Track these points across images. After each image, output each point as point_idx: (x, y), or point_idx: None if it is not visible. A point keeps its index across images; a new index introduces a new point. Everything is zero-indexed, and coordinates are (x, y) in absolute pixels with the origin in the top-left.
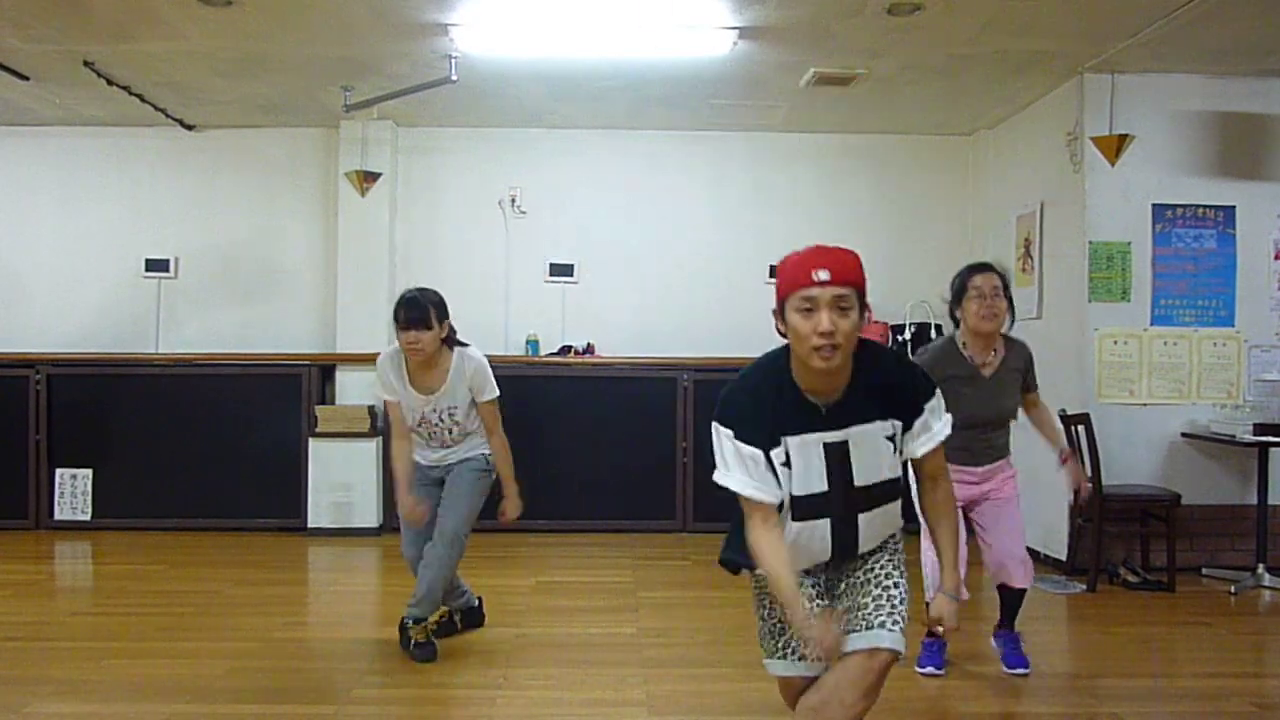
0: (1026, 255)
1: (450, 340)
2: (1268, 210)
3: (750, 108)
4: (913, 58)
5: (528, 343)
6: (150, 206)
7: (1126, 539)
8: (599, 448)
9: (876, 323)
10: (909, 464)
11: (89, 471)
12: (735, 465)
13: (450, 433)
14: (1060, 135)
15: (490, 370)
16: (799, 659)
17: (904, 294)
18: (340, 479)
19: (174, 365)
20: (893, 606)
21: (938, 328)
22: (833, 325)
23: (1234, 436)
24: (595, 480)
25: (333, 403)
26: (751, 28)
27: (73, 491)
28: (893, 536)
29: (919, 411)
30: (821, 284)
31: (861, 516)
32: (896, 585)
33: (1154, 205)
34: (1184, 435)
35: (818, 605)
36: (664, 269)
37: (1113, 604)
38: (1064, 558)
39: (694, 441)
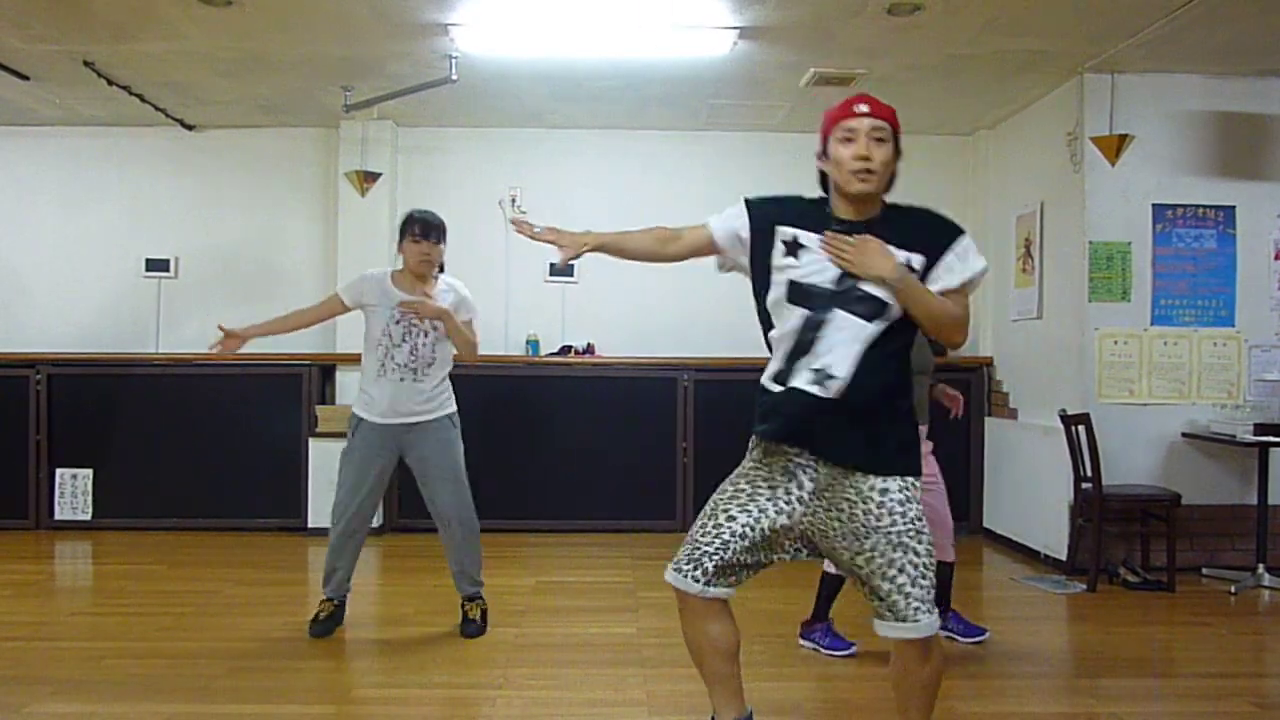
0: (1026, 255)
1: (440, 266)
2: (1268, 210)
3: (750, 108)
4: (913, 58)
5: (528, 343)
6: (150, 206)
7: (1126, 539)
8: (599, 448)
9: None
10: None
11: (89, 471)
12: (719, 215)
13: (428, 351)
14: (1060, 135)
15: (465, 289)
16: (694, 579)
17: None
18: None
19: (174, 365)
20: (908, 597)
21: None
22: (869, 151)
23: (1234, 436)
24: (595, 480)
25: (333, 403)
26: (751, 28)
27: (73, 491)
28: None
29: (943, 250)
30: (860, 115)
31: (839, 311)
32: (903, 570)
33: (1154, 205)
34: (1184, 435)
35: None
36: (664, 269)
37: (1113, 604)
38: (1064, 558)
39: (694, 441)
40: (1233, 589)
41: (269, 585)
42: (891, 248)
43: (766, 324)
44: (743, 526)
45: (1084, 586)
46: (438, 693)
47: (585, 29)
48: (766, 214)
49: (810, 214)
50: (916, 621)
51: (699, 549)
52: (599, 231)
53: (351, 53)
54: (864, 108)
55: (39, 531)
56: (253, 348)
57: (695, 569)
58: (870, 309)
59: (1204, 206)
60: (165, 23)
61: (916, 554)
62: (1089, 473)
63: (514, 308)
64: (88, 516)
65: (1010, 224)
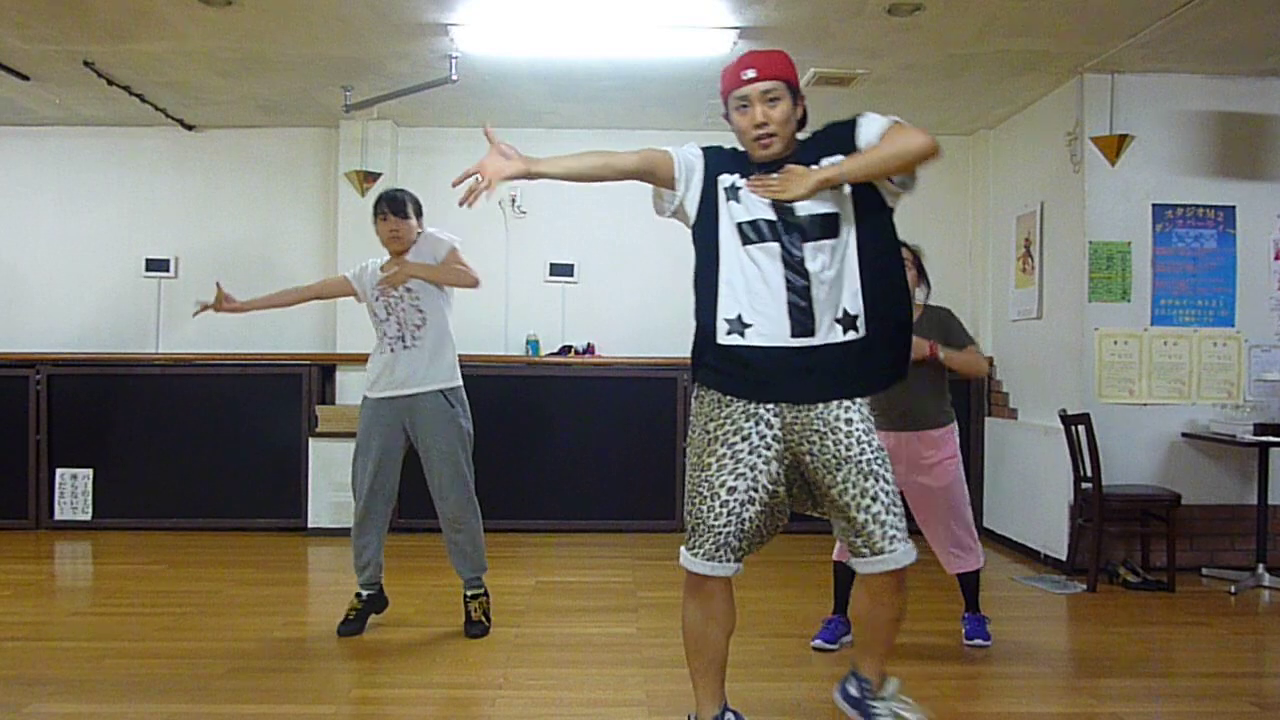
0: (1026, 255)
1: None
2: (1268, 210)
3: None
4: (913, 58)
5: (528, 343)
6: (150, 206)
7: (1126, 539)
8: (599, 448)
9: None
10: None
11: (89, 471)
12: (678, 148)
13: (413, 313)
14: (1060, 135)
15: (441, 232)
16: (727, 562)
17: None
18: (340, 479)
19: (174, 365)
20: (883, 525)
21: None
22: (765, 117)
23: (1234, 436)
24: (595, 480)
25: (333, 403)
26: (751, 28)
27: (73, 491)
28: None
29: (854, 128)
30: (750, 81)
31: (807, 245)
32: (876, 499)
33: (1154, 205)
34: (1184, 435)
35: (760, 486)
36: (664, 269)
37: (1113, 604)
38: (1064, 558)
39: None
40: (1233, 589)
41: (269, 585)
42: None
43: (707, 266)
44: (746, 493)
45: (1084, 586)
46: (438, 693)
47: (585, 29)
48: (712, 161)
49: (738, 160)
50: (893, 551)
51: (719, 533)
52: (539, 158)
53: (351, 53)
54: (751, 73)
55: (39, 531)
56: (252, 348)
57: (725, 553)
58: (827, 226)
59: (1204, 206)
60: (165, 23)
61: (887, 480)
62: (1089, 473)
63: (514, 308)
64: (88, 516)
65: (1010, 224)
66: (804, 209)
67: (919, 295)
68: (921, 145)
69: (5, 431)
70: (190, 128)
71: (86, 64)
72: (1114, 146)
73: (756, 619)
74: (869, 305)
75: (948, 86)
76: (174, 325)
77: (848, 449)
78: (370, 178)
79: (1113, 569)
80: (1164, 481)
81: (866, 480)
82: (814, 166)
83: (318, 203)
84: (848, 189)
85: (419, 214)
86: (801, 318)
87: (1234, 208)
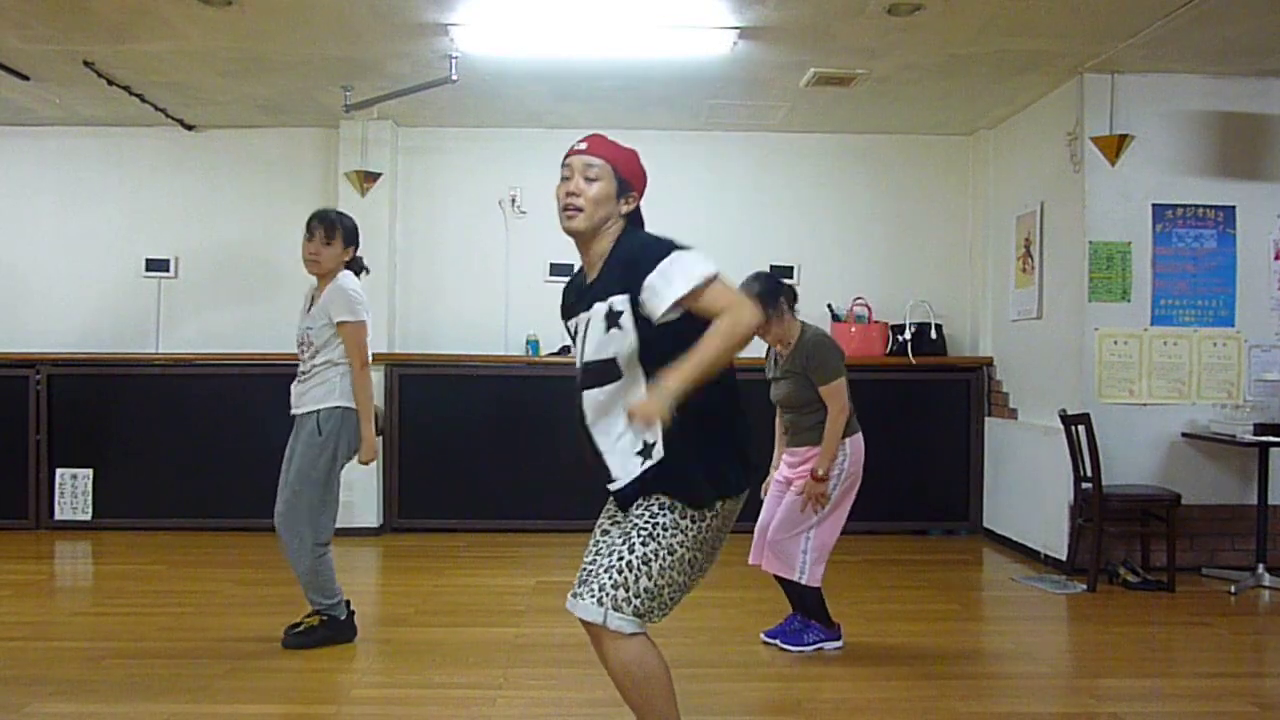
0: (1026, 255)
1: (353, 265)
2: (1268, 210)
3: (750, 108)
4: (913, 58)
5: (528, 343)
6: (150, 206)
7: (1126, 539)
8: None
9: (876, 322)
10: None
11: (89, 471)
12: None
13: (305, 352)
14: (1060, 135)
15: (353, 294)
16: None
17: (904, 294)
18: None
19: (174, 365)
20: (592, 575)
21: (938, 327)
22: (578, 188)
23: (1234, 436)
24: (595, 480)
25: None
26: (751, 28)
27: (73, 491)
28: (658, 500)
29: (643, 278)
30: (576, 152)
31: (586, 393)
32: (611, 554)
33: (1154, 205)
34: (1184, 435)
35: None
36: None
37: (1113, 604)
38: (1064, 558)
39: None
40: (1233, 589)
41: (269, 585)
42: (604, 299)
43: None
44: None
45: (1084, 586)
46: (438, 693)
47: (585, 29)
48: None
49: (574, 288)
50: (576, 597)
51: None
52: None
53: (351, 53)
54: (582, 145)
55: (39, 531)
56: (252, 348)
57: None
58: (606, 373)
59: (1204, 206)
60: (165, 23)
61: (630, 550)
62: (1089, 473)
63: (514, 308)
64: (88, 516)
65: (1010, 224)
66: (584, 357)
67: (792, 329)
68: (746, 329)
69: (5, 431)
70: (190, 128)
71: (86, 64)
72: (1114, 146)
73: (756, 619)
74: (667, 426)
75: (947, 86)
76: (174, 325)
77: (633, 517)
78: (370, 178)
79: (1113, 569)
80: (1164, 481)
81: (619, 540)
82: (598, 304)
83: (318, 203)
84: (627, 325)
85: (349, 242)
86: (599, 467)
87: (1234, 208)
